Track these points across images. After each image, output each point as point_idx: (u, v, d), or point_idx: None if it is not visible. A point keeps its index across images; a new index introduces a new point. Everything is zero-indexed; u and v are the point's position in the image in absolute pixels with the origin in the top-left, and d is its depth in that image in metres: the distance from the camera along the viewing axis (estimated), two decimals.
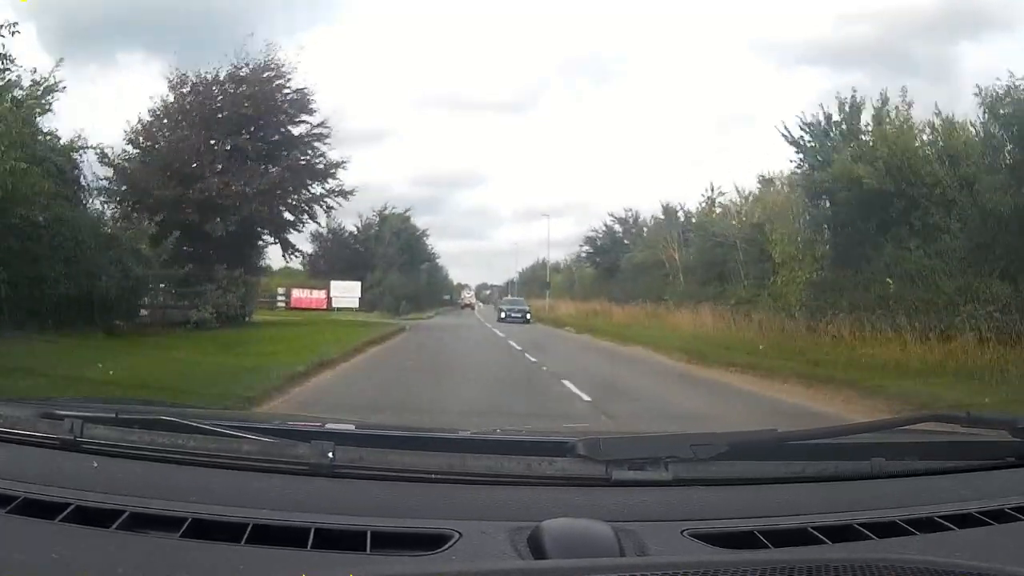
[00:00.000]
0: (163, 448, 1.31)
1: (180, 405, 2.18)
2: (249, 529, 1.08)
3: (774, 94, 56.31)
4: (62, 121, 22.77)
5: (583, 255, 49.80)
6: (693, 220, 34.26)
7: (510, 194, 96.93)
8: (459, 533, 1.09)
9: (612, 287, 41.00)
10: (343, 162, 24.71)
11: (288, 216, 24.74)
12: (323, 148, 24.18)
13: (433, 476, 1.27)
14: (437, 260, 66.16)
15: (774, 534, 1.16)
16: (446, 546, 1.07)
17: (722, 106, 73.33)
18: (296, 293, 45.18)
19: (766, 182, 25.72)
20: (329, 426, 1.83)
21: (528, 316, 38.75)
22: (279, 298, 45.49)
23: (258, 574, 0.98)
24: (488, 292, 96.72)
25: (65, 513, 1.10)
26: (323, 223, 25.24)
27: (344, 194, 24.99)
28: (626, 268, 39.70)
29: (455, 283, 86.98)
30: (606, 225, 46.25)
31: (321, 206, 25.12)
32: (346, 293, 43.90)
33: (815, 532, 1.17)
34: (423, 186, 77.78)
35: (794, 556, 0.98)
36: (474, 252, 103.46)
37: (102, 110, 50.88)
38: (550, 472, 1.29)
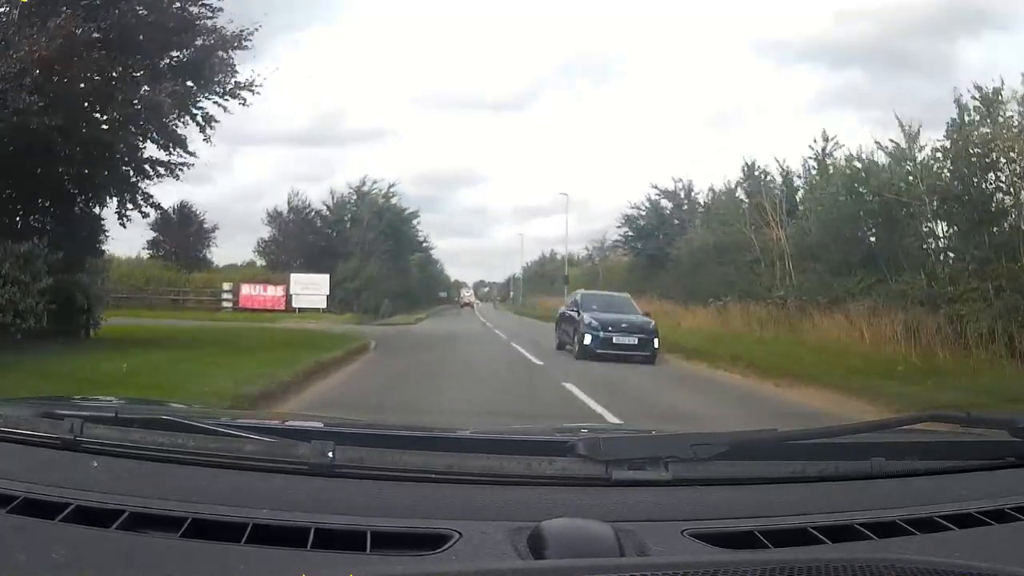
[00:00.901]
0: (163, 448, 1.29)
1: (180, 405, 2.08)
2: (249, 529, 1.07)
3: (774, 94, 54.67)
4: None
5: (620, 239, 38.65)
6: (798, 181, 23.99)
7: (508, 193, 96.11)
8: (459, 533, 1.08)
9: (661, 280, 30.82)
10: (245, 34, 12.54)
11: (133, 136, 12.51)
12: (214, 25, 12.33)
13: (433, 476, 1.25)
14: (431, 251, 55.98)
15: (774, 534, 1.15)
16: (446, 546, 1.06)
17: (721, 106, 69.59)
18: (245, 290, 35.01)
19: (986, 99, 15.27)
20: (329, 426, 1.75)
21: (656, 343, 15.77)
22: (225, 296, 35.20)
23: (258, 574, 0.98)
24: (486, 290, 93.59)
25: (65, 513, 1.09)
26: (201, 151, 13.04)
27: (234, 92, 12.70)
28: (684, 255, 29.37)
29: (452, 280, 78.84)
30: (649, 200, 35.52)
31: (194, 116, 12.72)
32: (309, 289, 33.69)
33: (815, 532, 1.16)
34: (422, 185, 72.44)
35: (794, 556, 0.96)
36: (471, 250, 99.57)
37: None
38: (550, 472, 1.27)
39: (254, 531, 1.06)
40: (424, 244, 46.26)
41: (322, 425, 1.76)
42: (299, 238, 36.63)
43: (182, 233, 37.95)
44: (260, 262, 37.57)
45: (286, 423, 1.88)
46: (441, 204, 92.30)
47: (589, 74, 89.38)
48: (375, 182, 38.32)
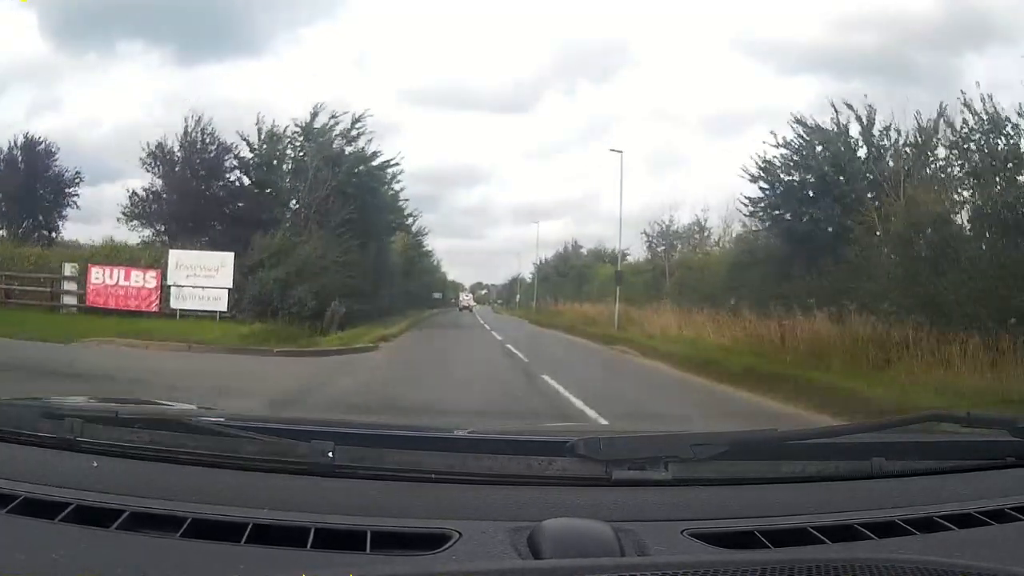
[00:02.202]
0: (163, 448, 1.29)
1: (180, 405, 2.03)
2: (249, 529, 1.07)
3: (775, 99, 50.05)
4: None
5: (756, 201, 21.25)
6: None
7: (508, 193, 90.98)
8: (459, 533, 1.08)
9: (832, 281, 16.96)
10: None
11: None
12: None
13: (433, 476, 1.26)
14: (422, 236, 41.80)
15: (774, 534, 1.15)
16: (446, 546, 1.06)
17: (721, 110, 63.38)
18: (96, 276, 20.65)
19: None
20: (329, 426, 1.69)
21: None
22: (67, 287, 20.96)
23: (258, 574, 0.97)
24: (484, 292, 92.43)
25: (65, 513, 1.09)
26: None
27: None
28: (900, 235, 15.45)
29: (448, 279, 70.76)
30: (803, 139, 19.51)
31: None
32: (200, 278, 19.62)
33: (815, 532, 1.16)
34: (420, 183, 65.28)
35: (794, 556, 0.96)
36: (468, 251, 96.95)
37: (101, 100, 43.43)
38: (550, 472, 1.28)
39: (254, 531, 1.06)
40: (411, 218, 32.13)
41: (322, 425, 1.66)
42: (195, 192, 22.12)
43: (27, 183, 23.84)
44: (138, 236, 22.44)
45: (286, 423, 1.76)
46: (438, 204, 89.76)
47: (589, 76, 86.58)
48: (335, 116, 24.11)
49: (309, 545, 1.04)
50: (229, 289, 19.24)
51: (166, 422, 1.38)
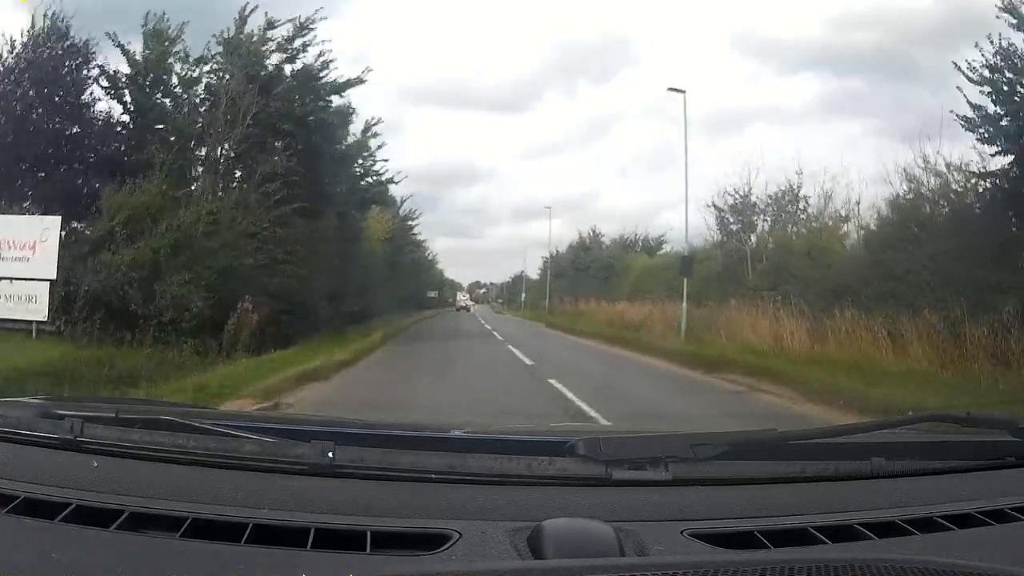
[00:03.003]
0: (163, 448, 1.29)
1: (181, 405, 2.02)
2: (249, 529, 1.07)
3: (775, 98, 49.87)
4: None
5: (977, 129, 11.22)
6: None
7: (506, 192, 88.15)
8: (459, 533, 1.08)
9: None
10: None
11: None
12: None
13: (433, 476, 1.25)
14: (413, 221, 33.81)
15: (774, 534, 1.15)
16: (446, 546, 1.06)
17: (721, 110, 63.26)
18: None
19: None
20: (329, 426, 1.72)
21: None
22: None
23: (258, 574, 0.97)
24: (483, 291, 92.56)
25: (65, 513, 1.09)
26: None
27: None
28: None
29: (445, 277, 64.98)
30: None
31: None
32: (3, 263, 10.39)
33: (815, 532, 1.16)
34: (419, 183, 61.36)
35: (794, 556, 0.96)
36: (467, 250, 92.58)
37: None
38: (550, 472, 1.27)
39: (254, 531, 1.06)
40: (392, 185, 23.71)
41: (322, 425, 1.69)
42: (29, 123, 13.46)
43: None
44: None
45: (286, 423, 1.84)
46: (437, 203, 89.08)
47: (590, 74, 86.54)
48: (272, 22, 15.78)
49: (309, 545, 1.04)
50: (52, 281, 11.06)
51: (166, 422, 1.37)
